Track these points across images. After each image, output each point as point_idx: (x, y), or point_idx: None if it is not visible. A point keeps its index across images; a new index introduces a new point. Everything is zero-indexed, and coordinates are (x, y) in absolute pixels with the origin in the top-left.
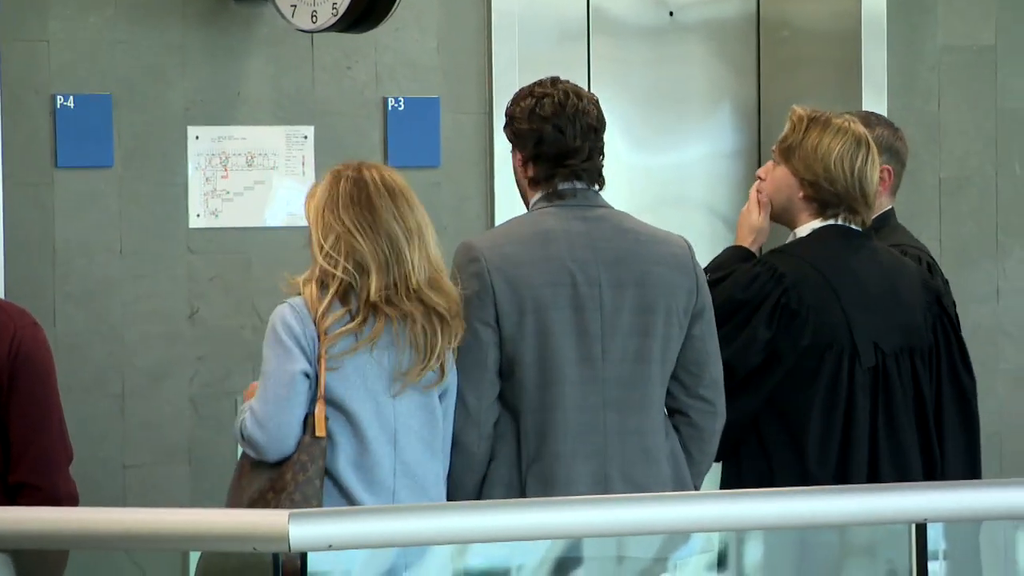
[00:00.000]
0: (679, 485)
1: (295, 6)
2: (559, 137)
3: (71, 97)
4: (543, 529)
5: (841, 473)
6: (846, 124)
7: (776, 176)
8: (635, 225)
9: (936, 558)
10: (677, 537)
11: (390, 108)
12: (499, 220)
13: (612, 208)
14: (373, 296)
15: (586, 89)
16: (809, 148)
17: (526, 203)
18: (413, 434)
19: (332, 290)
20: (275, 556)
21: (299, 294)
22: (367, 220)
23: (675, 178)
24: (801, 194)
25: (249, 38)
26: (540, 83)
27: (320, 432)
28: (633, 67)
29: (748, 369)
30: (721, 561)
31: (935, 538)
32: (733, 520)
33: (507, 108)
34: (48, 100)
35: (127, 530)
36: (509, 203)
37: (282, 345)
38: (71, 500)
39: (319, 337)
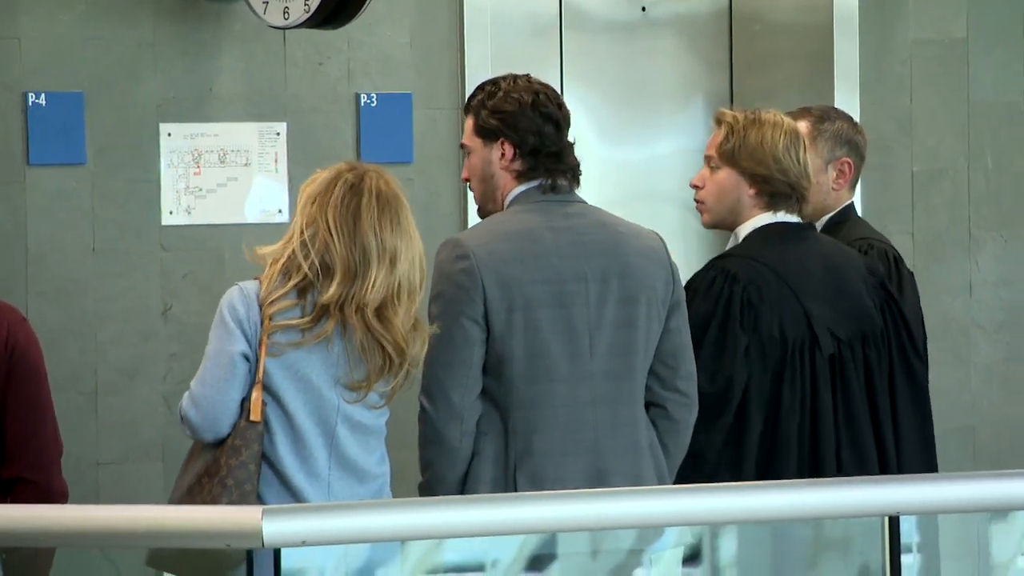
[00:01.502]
0: (659, 479)
1: (267, 3)
2: (558, 136)
3: (43, 95)
4: (519, 524)
5: (813, 460)
6: (778, 118)
7: (719, 180)
8: (611, 219)
9: (909, 551)
10: (651, 531)
11: (362, 104)
12: (471, 216)
13: (586, 202)
14: (328, 299)
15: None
16: (755, 144)
17: (489, 200)
18: (361, 430)
19: (292, 282)
20: (248, 552)
21: (261, 264)
22: (348, 226)
23: (647, 173)
24: (752, 191)
25: (221, 34)
26: (506, 79)
27: (255, 417)
28: (605, 62)
29: (744, 381)
30: (695, 555)
31: (908, 531)
32: (707, 514)
33: (484, 104)
34: (20, 97)
35: (100, 527)
36: None
37: (225, 326)
38: (63, 496)
39: (262, 322)
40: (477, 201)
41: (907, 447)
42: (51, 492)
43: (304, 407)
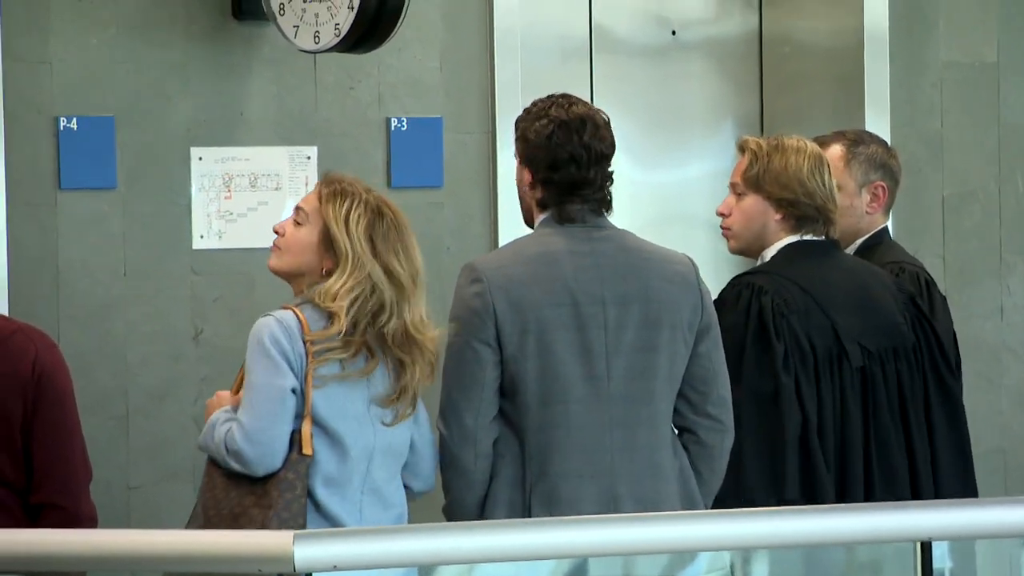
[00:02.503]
0: (688, 503)
1: (297, 27)
2: (574, 169)
3: (74, 119)
4: (550, 549)
5: (840, 476)
6: (801, 143)
7: (745, 206)
8: (638, 243)
9: None
10: (684, 556)
11: (393, 128)
12: (502, 240)
13: (616, 228)
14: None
15: (597, 108)
16: (779, 169)
17: (527, 216)
18: (391, 456)
19: (337, 325)
20: None
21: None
22: (398, 259)
23: (678, 196)
24: (779, 216)
25: (251, 58)
26: (555, 103)
27: (307, 450)
28: (636, 86)
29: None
30: None
31: (940, 556)
32: (739, 538)
33: (519, 123)
34: (51, 122)
35: (131, 552)
36: (512, 223)
37: (270, 359)
38: (91, 520)
39: (307, 355)
40: (523, 215)
41: (944, 462)
42: (79, 517)
43: (348, 435)
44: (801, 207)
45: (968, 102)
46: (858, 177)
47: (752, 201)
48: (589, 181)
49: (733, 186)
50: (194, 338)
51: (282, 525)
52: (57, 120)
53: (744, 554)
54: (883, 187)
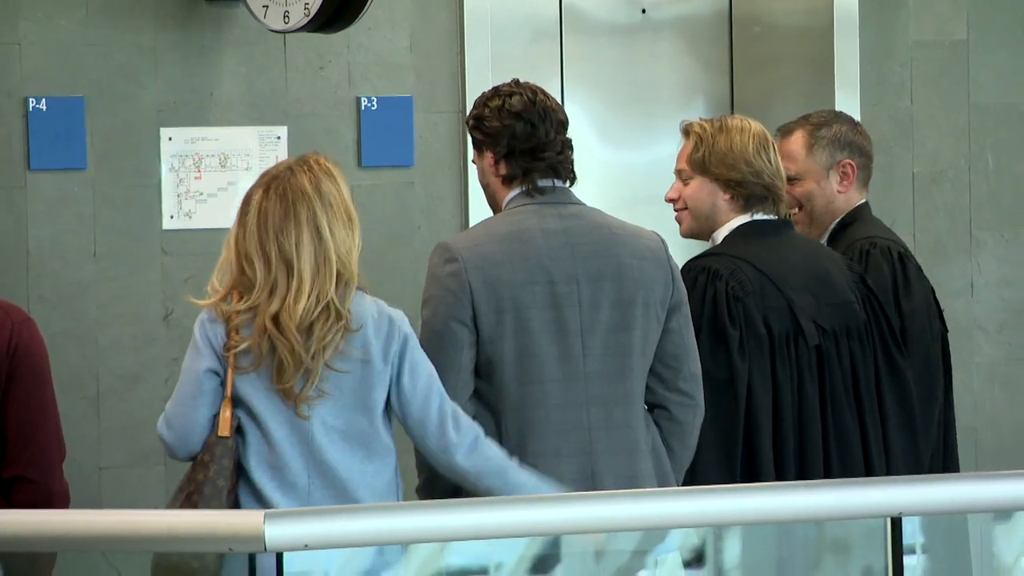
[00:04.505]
0: (661, 479)
1: (267, 7)
2: (532, 131)
3: (43, 100)
4: (522, 526)
5: (799, 453)
6: (744, 123)
7: (693, 189)
8: (609, 221)
9: (912, 552)
10: (656, 533)
11: (363, 108)
12: (473, 219)
13: (585, 205)
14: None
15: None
16: (725, 150)
17: (494, 207)
18: (337, 434)
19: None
20: (250, 557)
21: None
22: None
23: (648, 175)
24: (727, 196)
25: (221, 39)
26: (503, 85)
27: (223, 432)
28: (606, 65)
29: (746, 376)
30: (700, 557)
31: (911, 532)
32: (710, 516)
33: (472, 112)
34: (20, 103)
35: (103, 532)
36: (483, 202)
37: (194, 344)
38: (63, 497)
39: (229, 338)
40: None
41: (894, 440)
42: (51, 493)
43: (275, 416)
44: (749, 186)
45: (938, 81)
46: (823, 160)
47: (699, 184)
48: (550, 143)
49: (679, 172)
50: (164, 319)
51: (196, 507)
52: (27, 101)
53: (716, 531)
54: (851, 164)
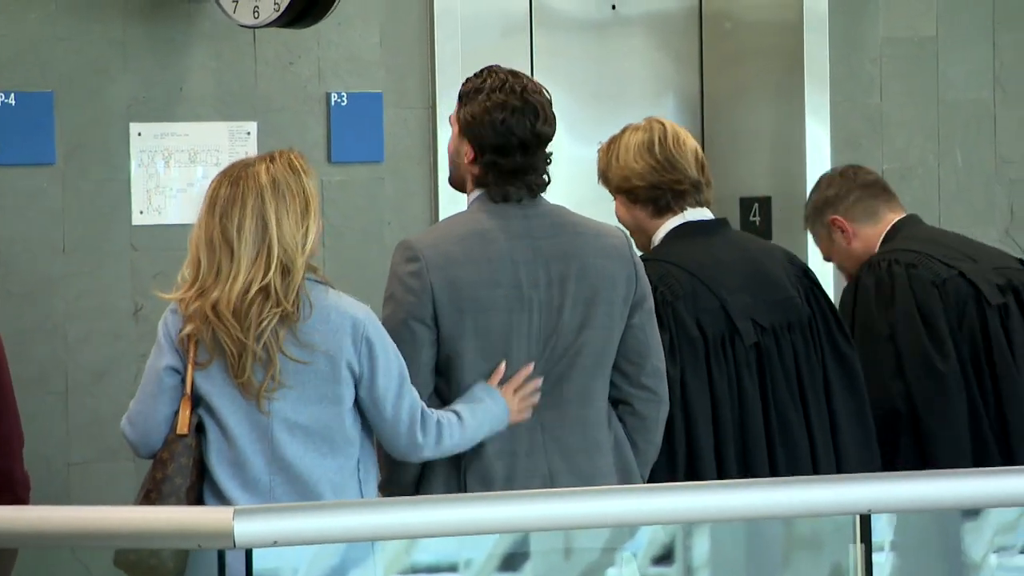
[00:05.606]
0: (624, 474)
1: (237, 2)
2: (520, 156)
3: (12, 94)
4: (492, 523)
5: (742, 451)
6: (629, 128)
7: (617, 211)
8: (572, 218)
9: (881, 549)
10: (625, 529)
11: (333, 103)
12: (443, 215)
13: (548, 203)
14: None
15: (541, 85)
16: (613, 164)
17: (458, 182)
18: (299, 429)
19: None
20: (220, 553)
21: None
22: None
23: None
24: (636, 206)
25: (191, 34)
26: (505, 82)
27: (181, 430)
28: (576, 61)
29: (678, 380)
30: (669, 554)
31: (880, 529)
32: (678, 512)
33: (465, 95)
34: None
35: (71, 528)
36: (453, 198)
37: (157, 342)
38: (24, 485)
39: (189, 336)
40: (449, 175)
41: (844, 431)
42: (12, 480)
43: (235, 413)
44: (643, 191)
45: (907, 77)
46: (821, 232)
47: (617, 204)
48: (534, 167)
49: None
50: (134, 314)
51: (154, 503)
52: None
53: (686, 528)
54: (835, 219)
